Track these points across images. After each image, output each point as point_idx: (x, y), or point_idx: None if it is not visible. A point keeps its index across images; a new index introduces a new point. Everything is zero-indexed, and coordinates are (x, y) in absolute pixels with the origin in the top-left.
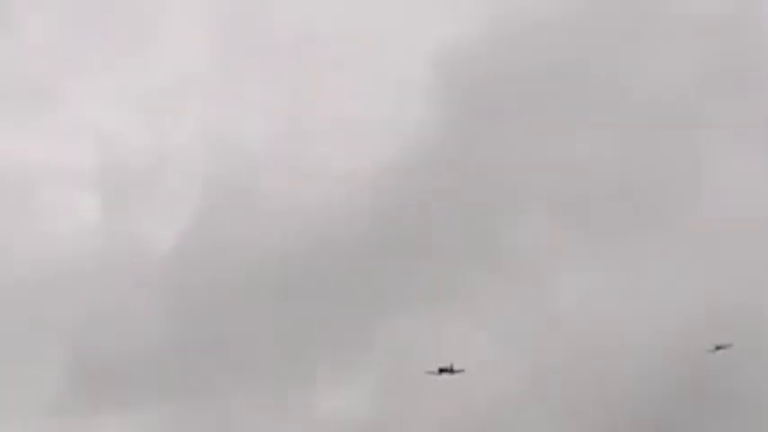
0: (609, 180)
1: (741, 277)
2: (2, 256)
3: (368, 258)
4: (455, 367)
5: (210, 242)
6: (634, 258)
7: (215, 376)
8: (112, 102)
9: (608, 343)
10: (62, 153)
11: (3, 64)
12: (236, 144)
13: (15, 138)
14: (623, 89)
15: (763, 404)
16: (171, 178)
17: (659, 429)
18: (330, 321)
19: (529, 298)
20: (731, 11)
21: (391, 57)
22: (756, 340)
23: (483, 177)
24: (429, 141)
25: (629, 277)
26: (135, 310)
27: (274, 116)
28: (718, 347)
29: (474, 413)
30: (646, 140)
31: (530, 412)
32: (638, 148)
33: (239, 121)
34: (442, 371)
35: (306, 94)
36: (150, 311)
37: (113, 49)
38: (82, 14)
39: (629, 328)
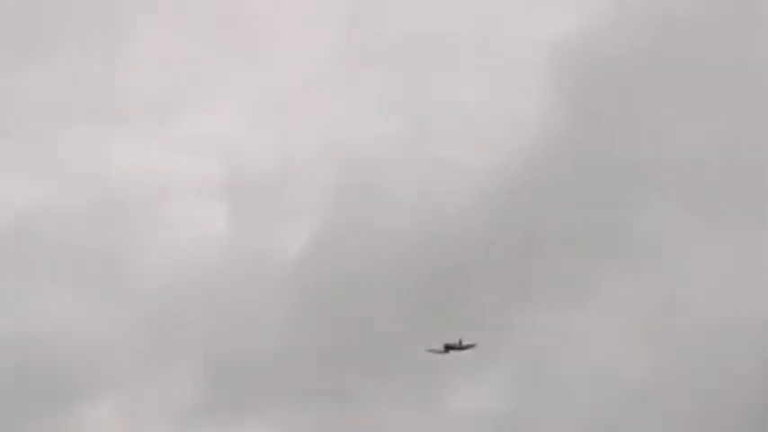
0: (737, 166)
1: None
2: (135, 267)
3: (496, 253)
4: (464, 342)
5: (338, 245)
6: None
7: (347, 377)
8: (234, 111)
9: (735, 330)
10: (187, 164)
11: (127, 79)
12: (358, 146)
13: (142, 152)
14: (748, 74)
15: None
16: (296, 183)
17: None
18: (461, 319)
19: (658, 288)
20: None
21: (508, 48)
22: None
23: (607, 166)
24: (551, 132)
25: (760, 265)
26: (266, 316)
27: (395, 116)
28: None
29: (606, 406)
30: None
31: (660, 403)
32: (764, 134)
33: (360, 124)
34: (448, 348)
35: (424, 92)
36: (282, 316)
37: (232, 58)
38: (199, 26)
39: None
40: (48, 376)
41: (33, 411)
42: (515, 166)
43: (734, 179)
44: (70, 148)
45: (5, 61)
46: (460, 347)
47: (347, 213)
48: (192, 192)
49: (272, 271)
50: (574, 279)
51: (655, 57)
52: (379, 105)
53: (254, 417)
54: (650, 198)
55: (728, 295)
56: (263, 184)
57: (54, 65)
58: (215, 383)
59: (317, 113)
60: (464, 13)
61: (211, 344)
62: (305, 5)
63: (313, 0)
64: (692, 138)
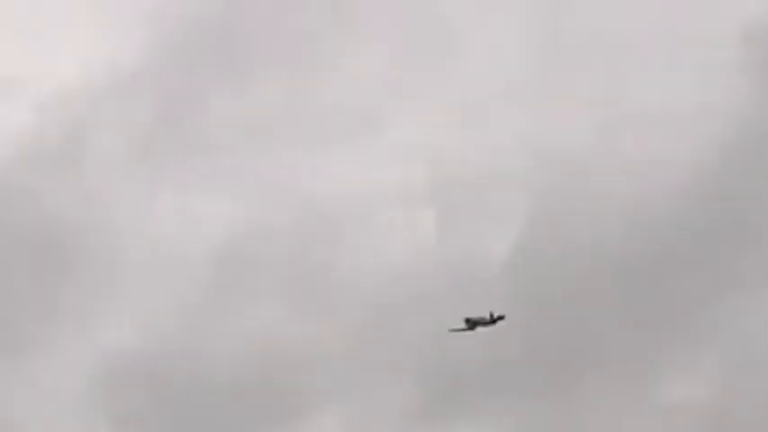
0: None
1: None
2: (348, 279)
3: (704, 243)
4: (495, 315)
5: (544, 245)
6: None
7: (559, 375)
8: (435, 118)
9: None
10: (393, 174)
11: (329, 94)
12: (559, 145)
13: (348, 164)
14: None
15: None
16: (500, 185)
17: None
18: (669, 310)
19: None
20: None
21: (698, 39)
22: None
23: None
24: (748, 120)
25: None
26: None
27: (592, 113)
28: None
29: None
30: None
31: None
32: None
33: (559, 122)
34: (473, 324)
35: (619, 87)
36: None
37: (429, 65)
38: (393, 37)
39: None
40: (268, 390)
41: (255, 425)
42: (715, 156)
43: None
44: (279, 165)
45: (215, 84)
46: (488, 322)
47: (551, 213)
48: (399, 201)
49: (481, 273)
50: None
51: None
52: (575, 103)
53: (469, 420)
54: None
55: None
56: (468, 188)
57: (260, 84)
58: (431, 389)
59: (517, 114)
60: (649, 6)
61: (426, 349)
62: (496, 9)
63: (504, 3)
64: None
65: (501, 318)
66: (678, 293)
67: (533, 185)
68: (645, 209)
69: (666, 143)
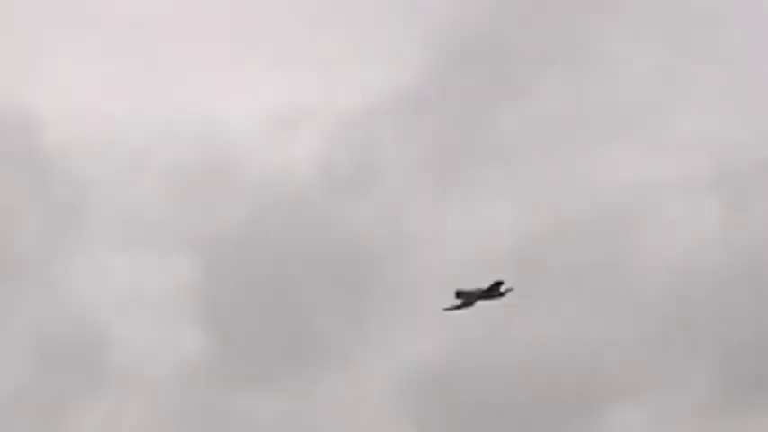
0: None
1: None
2: (637, 271)
3: None
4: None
5: None
6: None
7: None
8: (715, 106)
9: None
10: (676, 165)
11: (611, 89)
12: None
13: (632, 158)
14: None
15: None
16: None
17: None
18: None
19: None
20: None
21: None
22: None
23: None
24: None
25: None
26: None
27: None
28: None
29: None
30: None
31: None
32: None
33: None
34: (467, 297)
35: None
36: None
37: (705, 53)
38: (667, 26)
39: None
40: (568, 387)
41: (557, 420)
42: None
43: None
44: (564, 164)
45: (496, 91)
46: (486, 293)
47: None
48: (682, 192)
49: None
50: None
51: None
52: None
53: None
54: None
55: None
56: (751, 175)
57: (540, 85)
58: (735, 379)
59: None
60: None
61: (724, 340)
62: None
63: None
64: None
65: (500, 284)
66: None
67: None
68: None
69: None
